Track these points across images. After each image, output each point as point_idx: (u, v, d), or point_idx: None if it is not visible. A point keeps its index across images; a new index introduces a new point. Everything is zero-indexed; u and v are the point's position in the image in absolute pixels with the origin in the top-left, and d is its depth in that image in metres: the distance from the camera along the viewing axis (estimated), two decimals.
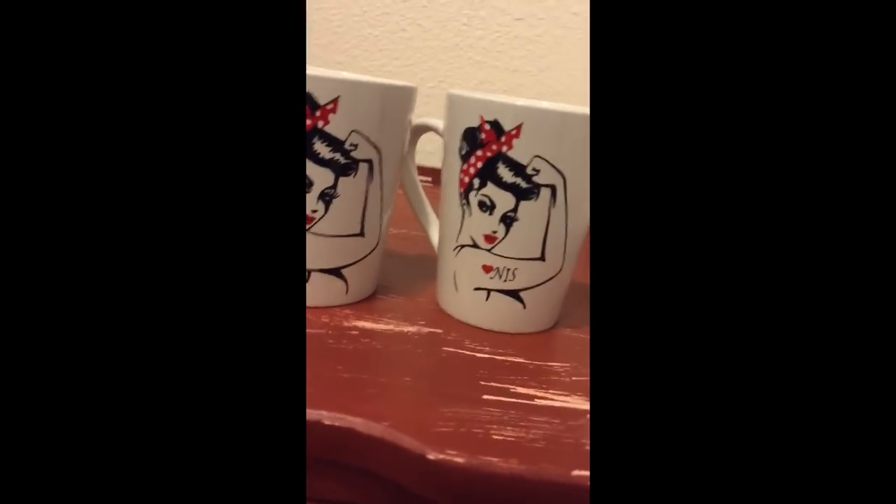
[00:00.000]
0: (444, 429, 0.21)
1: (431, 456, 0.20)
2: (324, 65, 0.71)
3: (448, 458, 0.20)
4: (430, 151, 0.56)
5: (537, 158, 0.26)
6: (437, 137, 0.31)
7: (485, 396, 0.24)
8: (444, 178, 0.30)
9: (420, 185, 0.35)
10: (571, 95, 0.71)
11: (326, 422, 0.21)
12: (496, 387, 0.25)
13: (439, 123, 0.32)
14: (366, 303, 0.32)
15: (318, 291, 0.30)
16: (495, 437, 0.21)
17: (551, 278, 0.29)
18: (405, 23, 0.69)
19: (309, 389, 0.23)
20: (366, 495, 0.23)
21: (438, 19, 0.69)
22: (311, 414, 0.21)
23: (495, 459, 0.20)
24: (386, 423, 0.21)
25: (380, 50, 0.70)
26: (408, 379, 0.24)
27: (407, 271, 0.37)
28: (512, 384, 0.25)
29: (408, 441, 0.20)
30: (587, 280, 0.39)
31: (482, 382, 0.25)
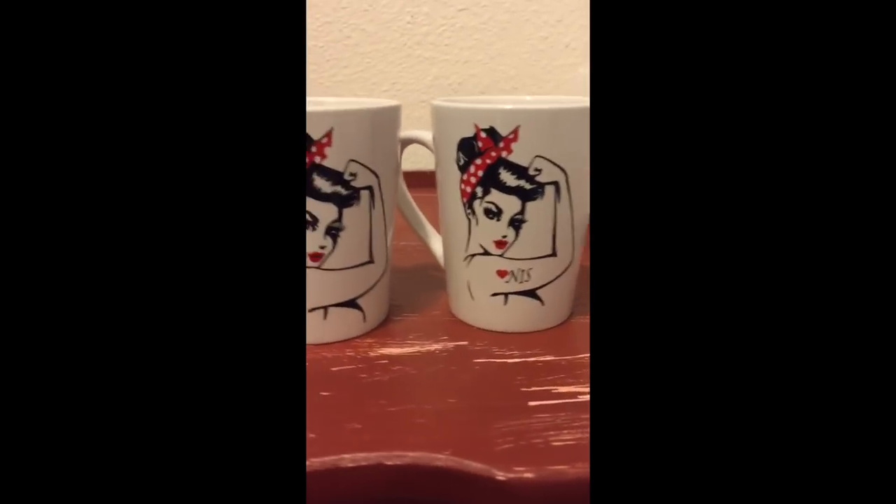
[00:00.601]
0: (505, 446, 0.21)
1: (501, 476, 0.20)
2: None
3: (517, 475, 0.20)
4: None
5: (538, 158, 0.26)
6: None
7: (530, 403, 0.24)
8: (442, 190, 0.30)
9: (411, 198, 0.35)
10: (525, 78, 0.71)
11: (388, 462, 0.21)
12: (538, 391, 0.25)
13: (425, 135, 0.31)
14: (383, 328, 0.31)
15: (337, 326, 0.29)
16: (555, 443, 0.22)
17: (564, 271, 0.30)
18: (348, 29, 0.68)
19: (361, 429, 0.22)
20: None
21: (382, 21, 0.68)
22: (371, 457, 0.21)
23: (563, 467, 0.20)
24: (448, 452, 0.21)
25: (327, 61, 0.69)
26: (452, 400, 0.24)
27: (412, 286, 0.37)
28: (552, 385, 0.25)
29: (474, 466, 0.20)
30: (588, 262, 0.39)
31: (523, 389, 0.25)
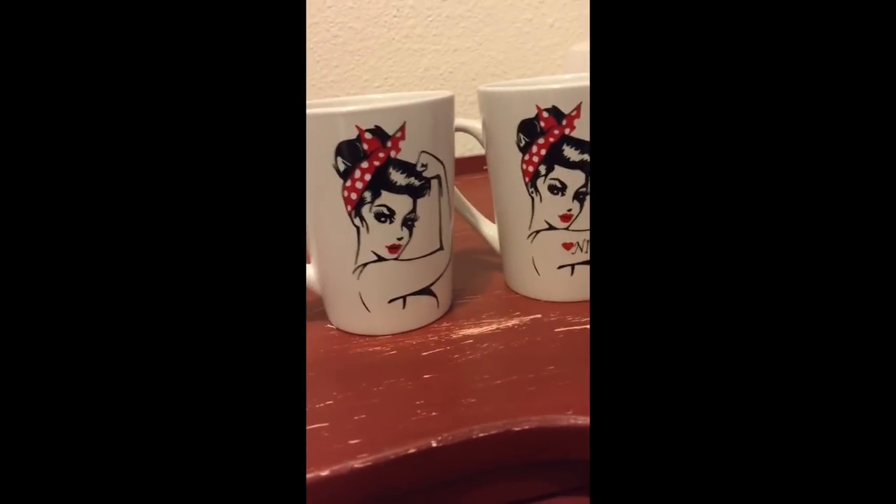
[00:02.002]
0: None
1: None
2: None
3: None
4: None
5: None
6: None
7: None
8: (499, 172, 0.31)
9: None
10: (514, 61, 0.73)
11: (515, 428, 0.22)
12: None
13: (474, 123, 0.32)
14: (453, 311, 0.32)
15: (415, 313, 0.30)
16: None
17: None
18: (335, 28, 0.68)
19: (477, 402, 0.23)
20: (574, 480, 0.24)
21: (368, 17, 0.68)
22: (496, 425, 0.22)
23: None
24: (571, 411, 0.22)
25: (317, 61, 0.69)
26: (552, 367, 0.26)
27: (466, 270, 0.38)
28: None
29: None
30: None
31: None
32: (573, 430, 0.22)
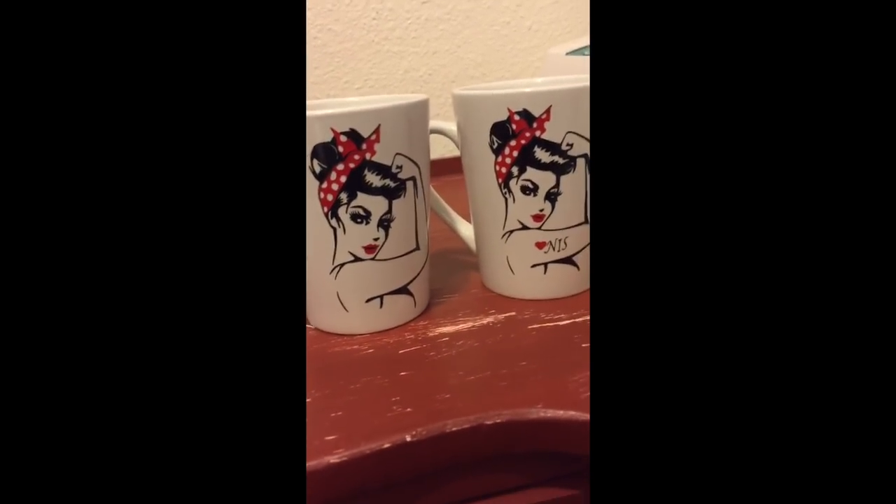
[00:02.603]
0: (586, 393, 0.24)
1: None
2: None
3: None
4: None
5: (569, 134, 0.29)
6: None
7: None
8: (473, 174, 0.32)
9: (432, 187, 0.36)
10: (492, 63, 0.74)
11: (488, 422, 0.23)
12: None
13: (449, 125, 0.33)
14: (430, 311, 0.33)
15: (392, 312, 0.31)
16: None
17: None
18: (315, 30, 0.68)
19: (452, 398, 0.24)
20: (544, 472, 0.25)
21: (348, 20, 0.68)
22: (469, 420, 0.23)
23: None
24: (540, 405, 0.23)
25: None
26: (524, 363, 0.27)
27: (442, 269, 0.39)
28: None
29: (567, 414, 0.23)
30: None
31: (583, 345, 0.28)
32: (543, 423, 0.23)
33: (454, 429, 0.23)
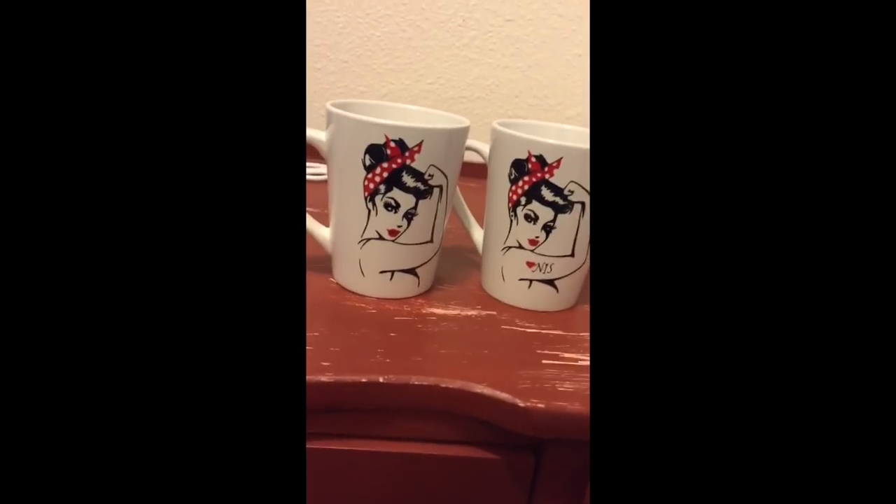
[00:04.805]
0: (525, 385, 0.30)
1: (521, 404, 0.29)
2: (330, 63, 0.76)
3: (533, 405, 0.29)
4: None
5: (572, 183, 0.35)
6: None
7: (543, 361, 0.33)
8: (492, 194, 0.39)
9: (461, 194, 0.43)
10: (557, 89, 0.79)
11: (443, 385, 0.30)
12: (549, 353, 0.34)
13: (484, 147, 0.40)
14: (430, 294, 0.40)
15: (400, 287, 0.38)
16: (560, 389, 0.31)
17: (577, 269, 0.38)
18: (405, 24, 0.75)
19: (422, 361, 0.31)
20: (474, 434, 0.32)
21: (436, 21, 0.75)
22: (429, 379, 0.30)
23: (565, 404, 0.29)
24: (485, 384, 0.30)
25: (381, 49, 0.76)
26: (486, 351, 0.33)
27: (452, 263, 0.46)
28: (560, 350, 0.35)
29: (504, 396, 0.30)
30: None
31: (538, 351, 0.34)
32: (483, 397, 0.30)
33: (416, 382, 0.30)
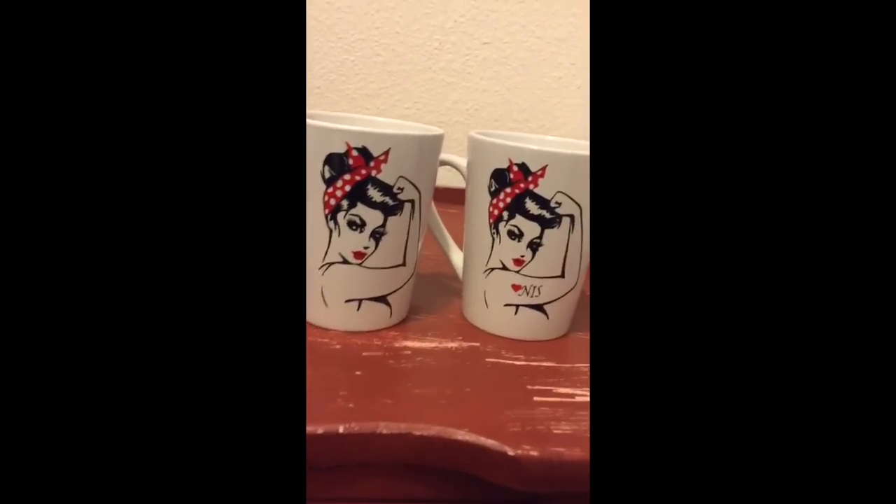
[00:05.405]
0: (514, 429, 0.26)
1: (511, 452, 0.24)
2: None
3: (525, 452, 0.24)
4: None
5: (559, 193, 0.31)
6: None
7: (535, 399, 0.28)
8: (470, 209, 0.35)
9: (437, 213, 0.39)
10: (537, 112, 0.77)
11: (416, 432, 0.25)
12: (541, 389, 0.29)
13: (460, 160, 0.36)
14: (405, 323, 0.35)
15: (368, 317, 0.33)
16: (556, 431, 0.26)
17: (569, 291, 0.34)
18: (379, 48, 0.73)
19: (392, 404, 0.26)
20: (455, 491, 0.27)
21: (411, 44, 0.73)
22: (400, 427, 0.25)
23: (562, 449, 0.24)
24: (467, 429, 0.25)
25: (356, 74, 0.73)
26: (468, 389, 0.29)
27: (430, 290, 0.41)
28: (552, 385, 0.30)
29: (489, 442, 0.25)
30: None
31: (528, 386, 0.30)
32: (465, 446, 0.25)
33: (384, 431, 0.25)
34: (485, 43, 0.74)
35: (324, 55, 0.73)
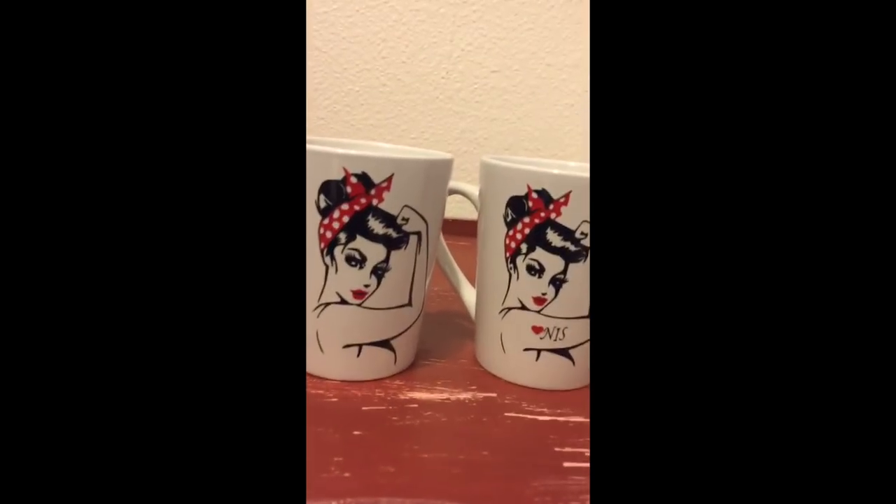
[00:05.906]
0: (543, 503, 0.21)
1: None
2: (307, 120, 0.71)
3: None
4: None
5: (585, 223, 0.27)
6: None
7: (565, 464, 0.24)
8: (484, 242, 0.31)
9: (446, 246, 0.35)
10: (548, 140, 0.74)
11: None
12: (571, 452, 0.25)
13: (471, 188, 0.33)
14: (411, 371, 0.31)
15: (369, 365, 0.29)
16: None
17: None
18: (385, 78, 0.71)
19: (395, 473, 0.22)
20: None
21: (418, 74, 0.71)
22: (408, 502, 0.21)
23: None
24: None
25: (361, 104, 0.71)
26: (486, 453, 0.24)
27: (440, 331, 0.37)
28: (584, 447, 0.26)
29: None
30: None
31: (556, 449, 0.25)
32: None
33: None
34: (493, 71, 0.72)
35: (328, 86, 0.71)
